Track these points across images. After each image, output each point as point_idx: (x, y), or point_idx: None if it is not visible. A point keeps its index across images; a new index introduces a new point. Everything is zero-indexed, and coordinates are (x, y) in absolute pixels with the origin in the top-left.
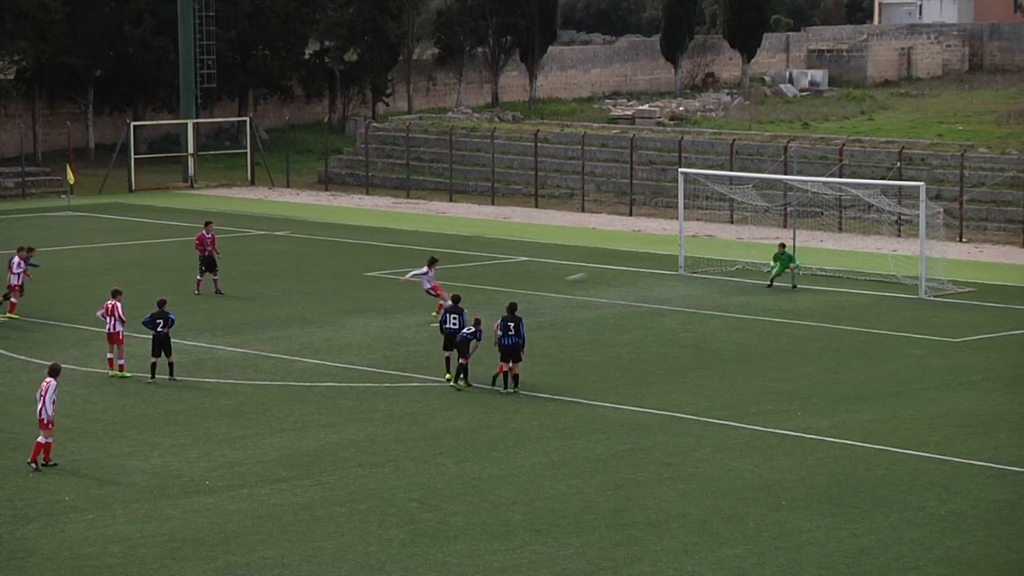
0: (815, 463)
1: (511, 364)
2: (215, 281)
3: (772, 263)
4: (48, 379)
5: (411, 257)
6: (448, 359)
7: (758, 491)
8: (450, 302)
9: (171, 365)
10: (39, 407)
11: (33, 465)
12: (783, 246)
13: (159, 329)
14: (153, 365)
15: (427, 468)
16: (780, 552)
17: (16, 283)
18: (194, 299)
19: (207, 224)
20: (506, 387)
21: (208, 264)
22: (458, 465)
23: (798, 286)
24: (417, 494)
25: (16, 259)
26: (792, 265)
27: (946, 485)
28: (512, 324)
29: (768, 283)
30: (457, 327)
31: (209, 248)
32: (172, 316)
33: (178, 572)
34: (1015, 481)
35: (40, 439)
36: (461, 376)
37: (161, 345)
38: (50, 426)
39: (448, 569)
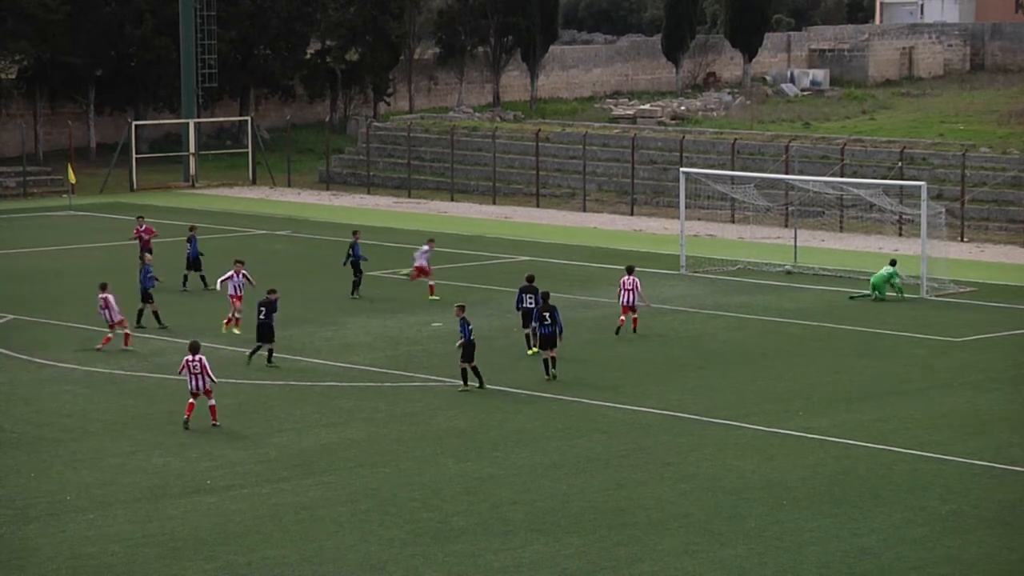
0: (816, 463)
1: (549, 351)
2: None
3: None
4: (196, 356)
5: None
6: (528, 336)
7: (759, 491)
8: (525, 281)
9: (270, 352)
10: (194, 383)
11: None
12: (894, 262)
13: (261, 317)
14: (269, 351)
15: (428, 468)
16: (781, 552)
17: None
18: (197, 298)
19: (139, 218)
20: (547, 373)
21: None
22: (459, 465)
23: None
24: (418, 494)
25: (232, 273)
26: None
27: (947, 485)
28: (547, 313)
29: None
30: (533, 306)
31: (146, 240)
32: (276, 305)
33: (179, 572)
34: (1016, 481)
35: (212, 402)
36: (475, 378)
37: (261, 332)
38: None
39: (449, 569)
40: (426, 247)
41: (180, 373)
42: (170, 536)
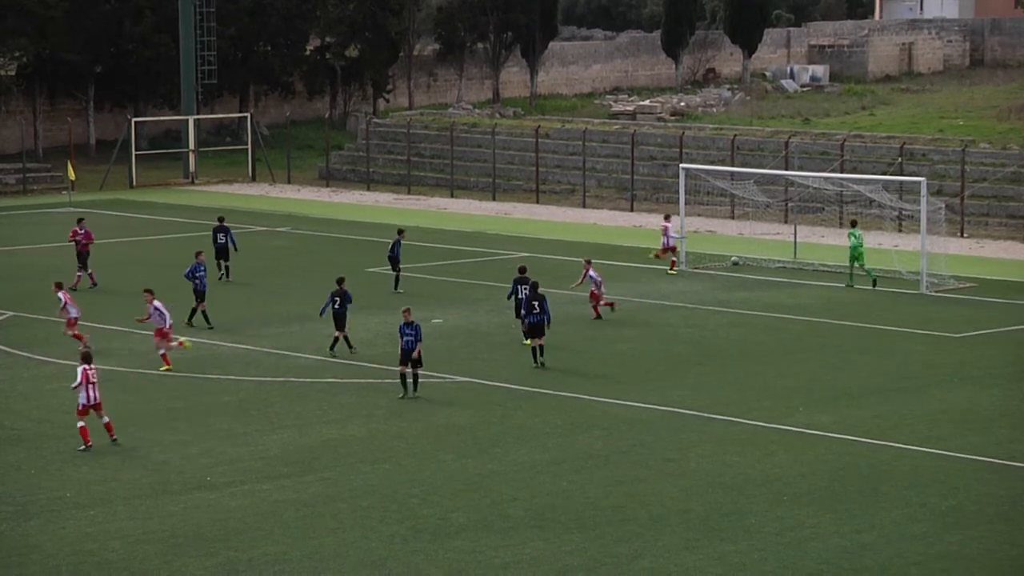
0: (816, 459)
1: (537, 339)
2: (90, 275)
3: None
4: (92, 366)
5: (412, 253)
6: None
7: (760, 487)
8: (518, 273)
9: (347, 339)
10: (93, 394)
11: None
12: (854, 223)
13: (336, 307)
14: (335, 339)
15: (428, 464)
16: (782, 548)
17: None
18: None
19: (80, 221)
20: (536, 362)
21: (82, 259)
22: (459, 461)
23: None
24: (418, 490)
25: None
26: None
27: (948, 481)
28: (536, 303)
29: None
30: (525, 297)
31: (84, 243)
32: (349, 294)
33: (179, 568)
34: (1017, 476)
35: (106, 419)
36: (414, 388)
37: (340, 321)
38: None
39: (449, 565)
40: (669, 224)
41: (77, 387)
42: (170, 533)
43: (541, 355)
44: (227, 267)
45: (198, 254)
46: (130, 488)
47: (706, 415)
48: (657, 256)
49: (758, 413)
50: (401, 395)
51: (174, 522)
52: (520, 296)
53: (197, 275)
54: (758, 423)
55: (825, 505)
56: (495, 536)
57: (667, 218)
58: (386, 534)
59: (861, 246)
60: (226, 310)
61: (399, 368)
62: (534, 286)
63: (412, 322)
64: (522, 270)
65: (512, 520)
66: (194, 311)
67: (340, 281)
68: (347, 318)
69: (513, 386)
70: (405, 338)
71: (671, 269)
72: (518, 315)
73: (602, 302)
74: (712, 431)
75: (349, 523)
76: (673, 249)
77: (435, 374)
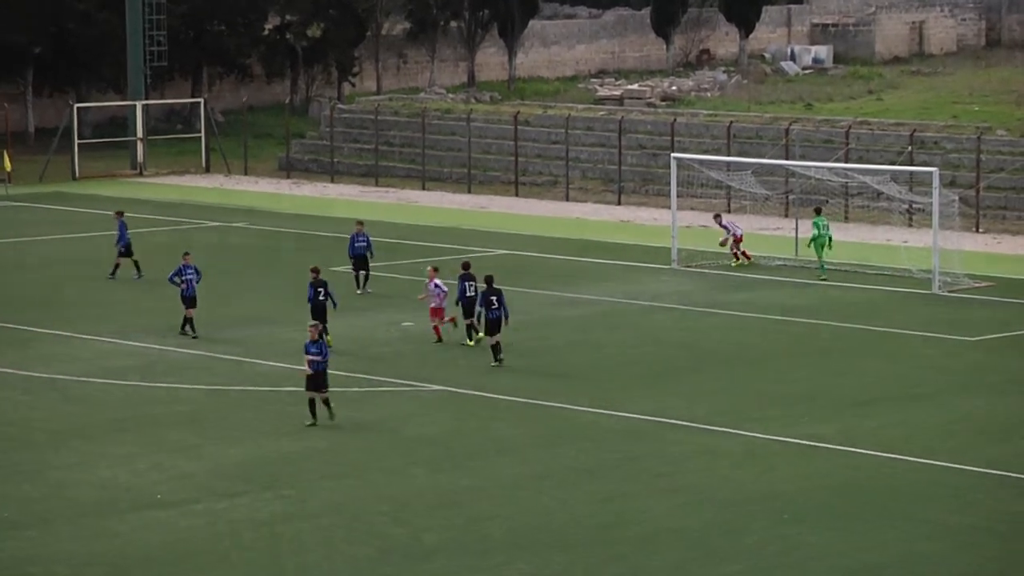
0: (820, 473)
1: (496, 335)
2: None
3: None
4: None
5: (380, 251)
6: (469, 326)
7: (759, 503)
8: (462, 269)
9: (324, 329)
10: None
11: None
12: (819, 210)
13: (320, 298)
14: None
15: (398, 479)
16: (783, 569)
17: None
18: (145, 296)
19: None
20: (495, 359)
21: None
22: (432, 476)
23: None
24: (387, 508)
25: None
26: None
27: (961, 496)
28: (494, 297)
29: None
30: (474, 295)
31: None
32: (326, 282)
33: None
34: None
35: None
36: (329, 414)
37: (319, 312)
38: None
39: None
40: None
41: None
42: (118, 555)
43: (500, 353)
44: (136, 263)
45: (185, 255)
46: (74, 507)
47: (700, 425)
48: (742, 255)
49: (757, 423)
50: (310, 423)
51: (122, 543)
52: (471, 293)
53: (184, 278)
54: (757, 434)
55: (829, 523)
56: (471, 557)
57: (717, 216)
58: (352, 556)
59: (823, 235)
60: (177, 313)
61: (307, 394)
62: (490, 280)
63: (318, 340)
64: (466, 266)
65: (490, 540)
66: (185, 320)
67: (315, 271)
68: (327, 310)
69: (491, 394)
70: (311, 358)
71: (743, 259)
72: (468, 314)
73: (445, 319)
74: (707, 443)
75: (312, 544)
76: (738, 241)
77: (406, 382)
